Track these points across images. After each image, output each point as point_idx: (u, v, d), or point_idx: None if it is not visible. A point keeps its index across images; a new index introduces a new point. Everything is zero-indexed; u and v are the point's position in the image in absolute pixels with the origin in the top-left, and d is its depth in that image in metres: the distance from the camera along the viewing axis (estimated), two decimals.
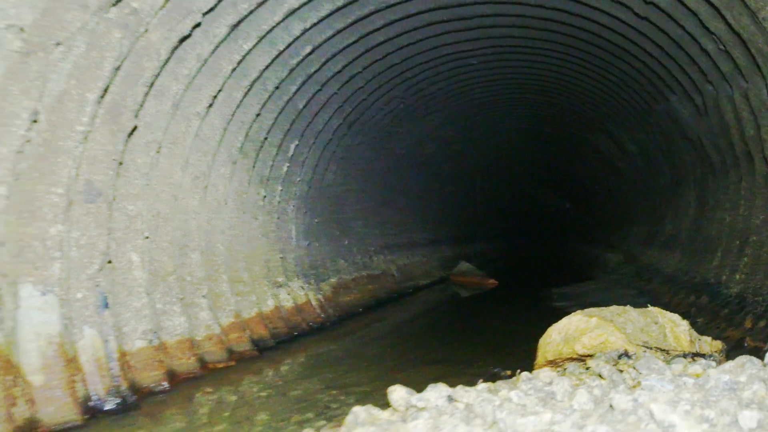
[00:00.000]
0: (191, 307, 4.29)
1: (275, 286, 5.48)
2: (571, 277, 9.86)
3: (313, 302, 5.92)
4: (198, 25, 3.93)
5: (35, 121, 3.09)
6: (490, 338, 5.41)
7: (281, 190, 5.92)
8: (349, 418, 2.21)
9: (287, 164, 5.91)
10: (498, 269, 10.30)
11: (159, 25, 3.68)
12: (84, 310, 3.36)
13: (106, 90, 3.47)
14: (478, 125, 9.70)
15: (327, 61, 5.46)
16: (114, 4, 3.32)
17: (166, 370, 3.71)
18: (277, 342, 4.98)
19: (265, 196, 5.62)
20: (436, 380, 2.33)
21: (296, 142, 5.94)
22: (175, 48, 3.87)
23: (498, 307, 7.71)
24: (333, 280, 6.59)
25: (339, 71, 5.76)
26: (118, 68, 3.49)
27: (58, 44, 3.10)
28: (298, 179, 6.26)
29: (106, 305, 3.49)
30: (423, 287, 8.69)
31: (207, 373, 4.01)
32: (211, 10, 3.95)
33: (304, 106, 5.77)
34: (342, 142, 7.00)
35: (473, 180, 13.09)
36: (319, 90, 5.79)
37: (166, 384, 3.62)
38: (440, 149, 10.17)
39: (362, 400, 3.28)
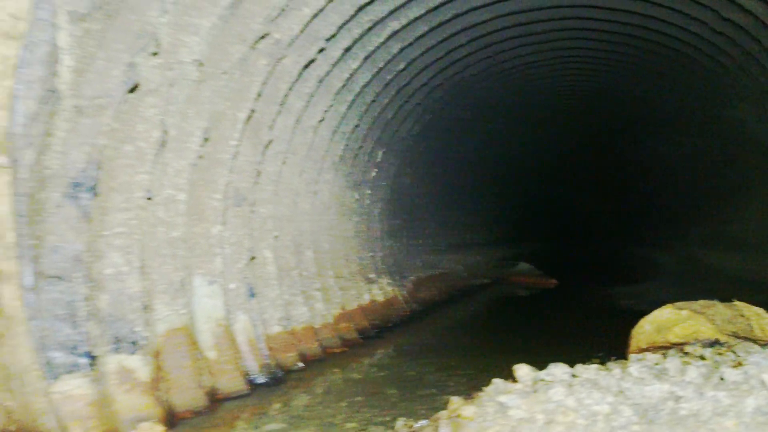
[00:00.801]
0: (309, 298, 4.81)
1: (368, 282, 5.97)
2: (626, 277, 9.96)
3: (399, 297, 6.38)
4: (322, 50, 4.44)
5: (207, 139, 3.65)
6: (569, 332, 5.77)
7: (369, 193, 6.41)
8: (491, 387, 2.63)
9: (375, 170, 6.41)
10: (552, 269, 10.54)
11: (293, 51, 4.21)
12: (237, 298, 3.90)
13: (252, 110, 4.02)
14: (538, 131, 10.02)
15: (416, 75, 5.92)
16: (263, 37, 3.86)
17: (298, 353, 4.24)
18: (376, 332, 5.46)
19: (357, 199, 6.12)
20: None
21: (383, 149, 6.43)
22: (303, 70, 4.40)
23: (564, 304, 8.02)
24: (412, 277, 7.04)
25: (425, 83, 6.22)
26: (260, 91, 4.03)
27: (224, 73, 3.65)
28: (383, 183, 6.75)
29: (252, 295, 4.03)
30: (486, 285, 9.05)
31: (327, 357, 4.52)
32: (332, 36, 4.46)
33: (392, 116, 6.26)
34: (417, 147, 7.46)
35: (528, 183, 13.38)
36: (406, 101, 6.26)
37: (300, 364, 4.15)
38: (499, 154, 10.54)
39: (473, 380, 3.70)
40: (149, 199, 3.27)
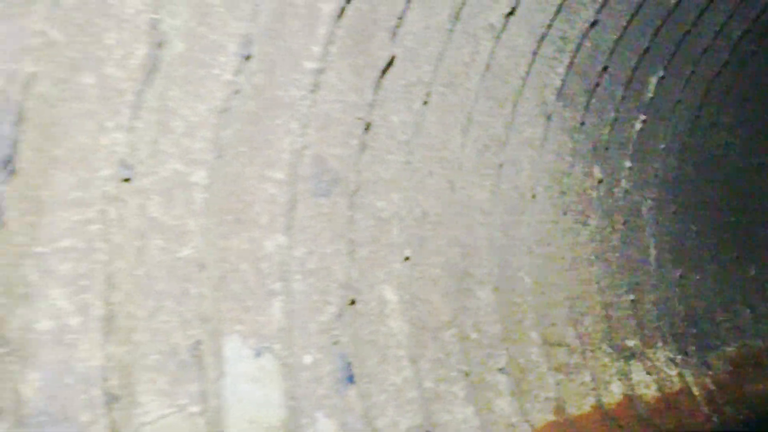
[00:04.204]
0: (480, 388, 4.48)
1: (622, 357, 5.56)
2: None
3: (695, 391, 5.86)
4: None
5: (248, 57, 3.49)
6: None
7: (630, 168, 5.98)
8: None
9: (642, 117, 5.98)
10: None
11: None
12: (315, 385, 3.68)
13: None
14: None
15: None
16: None
17: None
18: None
19: (600, 180, 5.72)
20: None
21: (660, 73, 5.97)
22: None
23: None
24: (730, 348, 6.53)
25: None
26: None
27: None
28: (662, 146, 6.30)
29: (351, 378, 3.78)
30: None
31: None
32: None
33: (678, 2, 5.72)
34: (747, 66, 6.78)
35: None
36: None
37: None
38: None
39: None
40: (127, 181, 3.18)
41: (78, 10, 3.02)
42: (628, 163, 5.94)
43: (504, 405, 4.54)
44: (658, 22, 5.70)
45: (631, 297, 5.79)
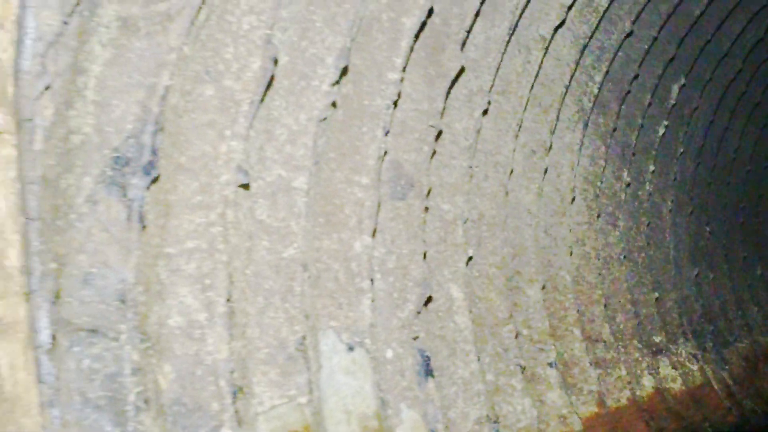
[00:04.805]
0: (534, 381, 4.69)
1: (651, 353, 5.73)
2: None
3: (715, 384, 6.04)
4: None
5: (345, 71, 3.69)
6: None
7: (653, 171, 6.16)
8: None
9: (665, 122, 6.14)
10: None
11: None
12: (399, 377, 3.89)
13: (429, 10, 3.99)
14: None
15: None
16: None
17: None
18: None
19: (629, 184, 5.89)
20: None
21: (682, 81, 6.15)
22: None
23: None
24: (742, 344, 6.68)
25: None
26: None
27: None
28: (681, 150, 6.47)
29: (429, 372, 4.00)
30: None
31: None
32: None
33: (702, 13, 5.92)
34: (761, 72, 7.01)
35: None
36: None
37: None
38: None
39: None
40: (244, 186, 3.36)
41: (202, 27, 3.21)
42: (651, 167, 6.12)
43: (554, 397, 4.75)
44: (683, 32, 5.90)
45: (656, 295, 5.97)
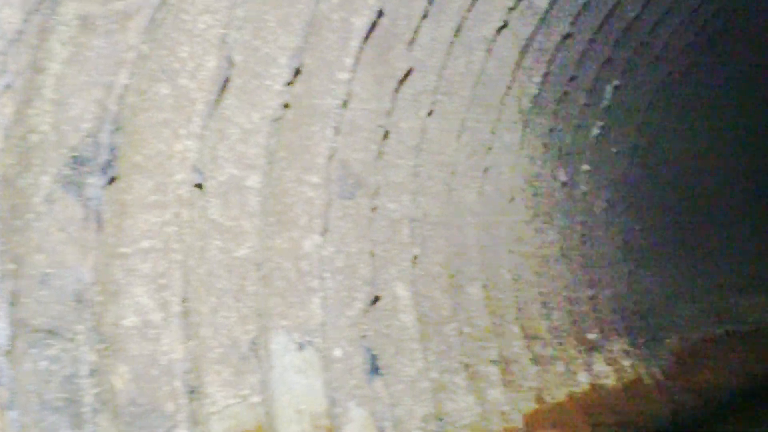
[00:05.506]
0: (476, 379, 4.78)
1: (587, 349, 5.86)
2: None
3: (646, 380, 6.21)
4: None
5: (299, 71, 3.72)
6: None
7: (588, 171, 6.29)
8: None
9: (599, 123, 6.30)
10: None
11: None
12: (348, 376, 3.94)
13: (379, 11, 4.04)
14: None
15: None
16: None
17: None
18: None
19: (564, 183, 6.02)
20: None
21: (616, 81, 6.29)
22: None
23: None
24: (670, 340, 6.85)
25: None
26: None
27: None
28: (614, 150, 6.61)
29: (377, 370, 4.05)
30: None
31: None
32: None
33: (637, 16, 6.07)
34: (689, 76, 7.22)
35: None
36: None
37: None
38: None
39: None
40: (198, 186, 3.37)
41: (159, 26, 3.21)
42: (585, 167, 6.24)
43: (497, 394, 4.84)
44: (619, 34, 6.04)
45: (591, 292, 6.13)
